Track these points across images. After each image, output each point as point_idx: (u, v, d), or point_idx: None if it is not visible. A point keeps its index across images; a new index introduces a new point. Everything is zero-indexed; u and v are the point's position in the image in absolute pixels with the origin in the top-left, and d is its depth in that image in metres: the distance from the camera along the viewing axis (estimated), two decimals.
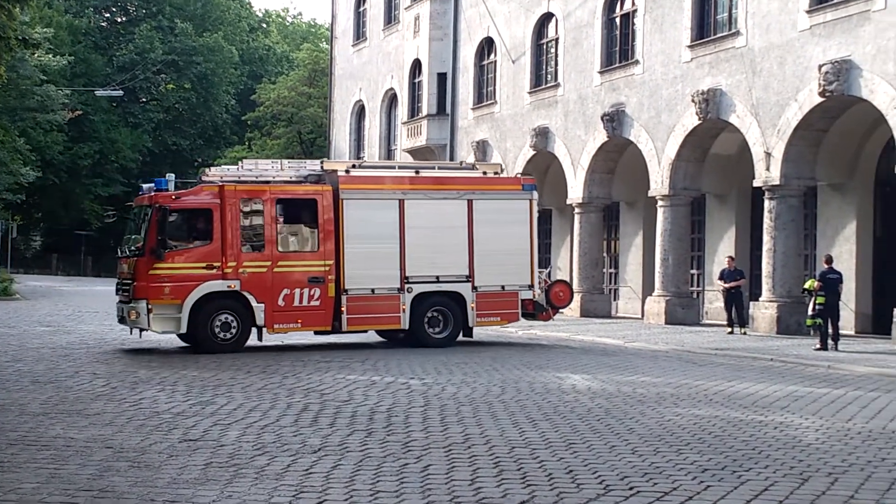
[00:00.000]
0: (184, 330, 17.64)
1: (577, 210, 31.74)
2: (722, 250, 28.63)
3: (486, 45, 37.67)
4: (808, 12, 23.65)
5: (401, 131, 43.49)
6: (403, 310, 19.01)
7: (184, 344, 19.04)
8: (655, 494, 7.25)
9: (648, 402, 11.95)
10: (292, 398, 11.68)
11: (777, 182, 24.40)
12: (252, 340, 18.47)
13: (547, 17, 34.02)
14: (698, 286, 30.11)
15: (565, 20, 32.73)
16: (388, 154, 46.99)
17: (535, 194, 20.76)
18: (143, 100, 68.19)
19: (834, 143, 24.75)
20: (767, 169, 24.59)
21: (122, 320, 18.44)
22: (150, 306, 17.32)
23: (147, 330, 17.83)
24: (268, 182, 18.65)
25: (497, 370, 15.11)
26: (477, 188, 19.91)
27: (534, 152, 33.92)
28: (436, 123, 40.14)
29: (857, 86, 22.30)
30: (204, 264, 17.68)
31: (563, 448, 8.93)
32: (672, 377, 14.80)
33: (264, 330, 18.23)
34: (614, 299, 32.94)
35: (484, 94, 37.93)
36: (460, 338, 19.93)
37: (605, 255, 33.51)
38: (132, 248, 18.08)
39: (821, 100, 23.15)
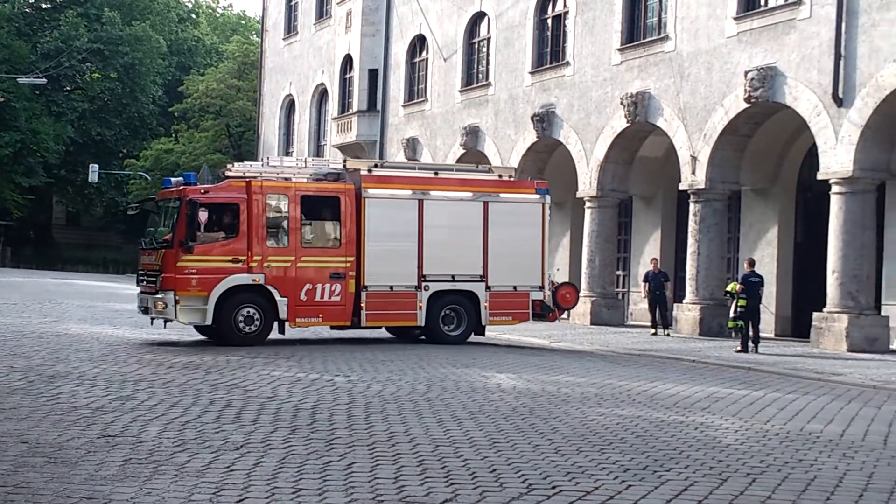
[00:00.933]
0: (209, 322, 17.93)
1: None
2: (647, 252, 28.95)
3: (418, 43, 37.66)
4: (735, 19, 24.02)
5: (331, 127, 43.28)
6: (420, 307, 19.45)
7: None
8: (578, 493, 7.28)
9: (572, 402, 12.02)
10: (215, 394, 11.53)
11: (702, 186, 24.76)
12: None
13: (479, 17, 34.12)
14: (624, 287, 30.43)
15: (497, 20, 32.85)
16: (318, 150, 46.74)
17: (548, 198, 21.07)
18: (68, 88, 66.82)
19: (758, 149, 25.19)
20: (693, 173, 24.93)
21: (145, 310, 18.70)
22: (177, 297, 17.67)
23: (172, 321, 18.15)
24: (289, 179, 19.05)
25: (423, 368, 15.09)
26: (492, 190, 20.30)
27: (464, 151, 34.00)
28: (366, 120, 40.03)
29: (781, 92, 22.71)
30: (230, 258, 18.07)
31: (488, 447, 8.94)
32: (596, 377, 14.92)
33: (286, 323, 18.66)
34: None
35: (415, 91, 37.91)
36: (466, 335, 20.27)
37: None
38: (160, 240, 18.31)
39: (746, 105, 23.54)
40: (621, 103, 26.97)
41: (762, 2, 23.85)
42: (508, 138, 32.04)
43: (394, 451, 8.56)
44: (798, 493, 7.56)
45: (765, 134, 24.92)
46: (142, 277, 18.93)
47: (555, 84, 30.08)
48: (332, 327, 19.80)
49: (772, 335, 24.86)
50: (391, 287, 19.30)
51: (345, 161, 20.37)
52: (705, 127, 24.66)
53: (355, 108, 40.43)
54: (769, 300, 24.51)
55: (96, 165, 60.58)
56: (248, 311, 18.08)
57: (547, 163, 31.52)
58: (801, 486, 7.80)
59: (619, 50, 27.59)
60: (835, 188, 21.63)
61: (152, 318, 18.79)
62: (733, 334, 21.76)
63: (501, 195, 20.31)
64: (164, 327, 19.42)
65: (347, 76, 41.72)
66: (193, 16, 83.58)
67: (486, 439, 9.30)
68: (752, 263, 21.54)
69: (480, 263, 19.96)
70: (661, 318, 24.96)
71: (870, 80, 20.82)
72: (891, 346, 21.71)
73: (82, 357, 15.13)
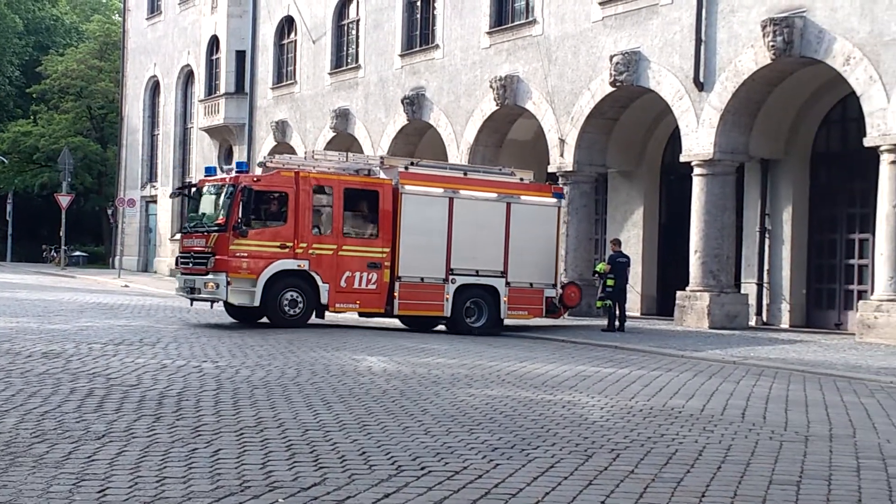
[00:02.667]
0: (257, 303, 18.97)
1: None
2: None
3: (287, 24, 37.22)
4: (600, 4, 24.41)
5: (198, 109, 42.47)
6: (447, 299, 20.39)
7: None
8: (446, 473, 7.31)
9: (442, 383, 12.07)
10: (76, 383, 11.18)
11: (570, 168, 25.13)
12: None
13: None
14: None
15: (366, 2, 32.70)
16: (184, 133, 45.83)
17: (563, 202, 22.27)
18: None
19: (624, 132, 25.70)
20: (561, 155, 25.29)
21: (190, 290, 19.53)
22: (228, 279, 18.68)
23: (219, 301, 19.29)
24: (328, 171, 20.13)
25: (293, 352, 14.95)
26: (514, 192, 21.32)
27: (334, 134, 33.81)
28: (234, 102, 39.41)
29: (645, 77, 23.19)
30: (278, 243, 19.10)
31: (357, 430, 8.90)
32: (466, 358, 15.02)
33: (326, 309, 19.77)
34: None
35: (284, 73, 37.48)
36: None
37: None
38: (211, 224, 19.09)
39: (612, 89, 23.98)
40: (491, 86, 27.16)
41: None
42: (379, 121, 31.95)
43: (262, 437, 8.44)
44: (660, 467, 7.75)
45: (630, 117, 25.44)
46: (186, 259, 19.76)
47: (425, 67, 30.10)
48: (360, 314, 20.72)
49: (638, 314, 25.45)
50: (422, 279, 20.28)
51: (382, 158, 21.45)
52: (573, 110, 25.03)
53: (223, 90, 39.75)
54: (635, 280, 25.09)
55: None
56: (293, 295, 19.14)
57: (417, 146, 31.57)
58: (662, 460, 7.99)
59: (487, 33, 27.76)
60: (696, 170, 22.22)
61: (193, 300, 19.82)
62: (602, 313, 22.18)
63: (522, 197, 21.29)
64: (211, 308, 20.49)
65: (214, 57, 40.97)
66: None
67: (355, 422, 9.26)
68: (618, 244, 21.97)
69: (502, 260, 20.93)
70: None
71: (729, 65, 21.43)
72: (750, 323, 22.47)
73: None
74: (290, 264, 19.08)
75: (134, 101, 49.63)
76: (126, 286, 36.99)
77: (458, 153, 28.53)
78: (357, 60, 33.30)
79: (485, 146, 28.36)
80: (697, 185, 22.22)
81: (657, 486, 7.17)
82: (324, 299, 19.41)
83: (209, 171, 21.25)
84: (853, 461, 8.23)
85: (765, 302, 23.41)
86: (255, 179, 19.05)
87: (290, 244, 19.08)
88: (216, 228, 18.86)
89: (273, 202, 19.25)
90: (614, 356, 16.41)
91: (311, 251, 19.24)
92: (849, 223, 22.71)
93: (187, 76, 45.14)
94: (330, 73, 34.47)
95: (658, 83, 22.95)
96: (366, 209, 20.13)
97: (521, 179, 21.86)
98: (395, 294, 19.94)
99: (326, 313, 19.97)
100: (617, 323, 20.97)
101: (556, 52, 25.60)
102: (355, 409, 10.02)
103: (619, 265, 21.21)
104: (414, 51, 30.73)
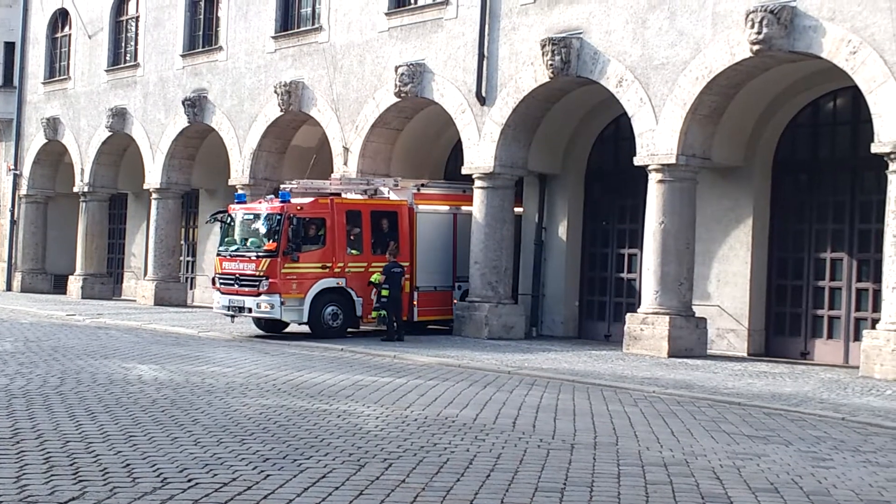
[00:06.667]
0: (306, 320, 20.75)
1: (154, 195, 30.88)
2: None
3: (61, 17, 35.67)
4: (386, 15, 24.54)
5: None
6: (455, 303, 22.83)
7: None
8: (214, 485, 7.12)
9: (217, 393, 11.80)
10: None
11: (353, 177, 25.08)
12: None
13: None
14: None
15: None
16: None
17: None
18: None
19: (408, 142, 25.88)
20: (345, 163, 25.24)
21: (238, 310, 20.78)
22: (282, 300, 20.32)
23: (271, 318, 20.77)
24: (351, 198, 22.14)
25: (58, 360, 14.28)
26: None
27: (110, 133, 32.62)
28: (1, 96, 37.41)
29: (429, 89, 23.46)
30: (320, 264, 20.93)
31: (122, 441, 8.56)
32: (243, 367, 14.75)
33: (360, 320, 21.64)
34: (191, 288, 32.40)
35: (57, 68, 35.87)
36: None
37: (182, 242, 32.88)
38: (259, 249, 20.71)
39: (397, 100, 24.12)
40: (275, 92, 26.83)
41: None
42: (158, 122, 31.04)
43: (18, 449, 8.01)
44: (431, 476, 7.80)
45: (415, 128, 25.61)
46: (229, 282, 21.01)
47: (207, 69, 29.46)
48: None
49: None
50: (435, 287, 22.81)
51: (395, 180, 23.03)
52: (357, 119, 25.04)
53: None
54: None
55: None
56: (333, 310, 21.05)
57: (199, 149, 30.85)
58: (434, 469, 8.05)
59: (273, 38, 27.43)
60: (477, 182, 22.62)
61: (233, 317, 21.35)
62: (378, 323, 22.22)
63: None
64: (262, 325, 21.52)
65: None
66: None
67: (121, 433, 8.91)
68: (394, 254, 22.06)
69: None
70: None
71: (510, 82, 21.94)
72: (525, 334, 23.03)
73: None
74: (331, 282, 21.01)
75: None
76: None
77: (240, 158, 28.04)
78: (136, 58, 32.21)
79: (268, 152, 27.98)
80: (478, 198, 22.62)
81: (427, 494, 7.21)
82: (358, 312, 21.38)
83: (239, 198, 22.77)
84: (615, 468, 8.54)
85: (540, 313, 24.07)
86: (298, 208, 20.71)
87: (330, 264, 20.96)
88: (266, 254, 20.39)
89: (314, 227, 20.99)
90: (393, 365, 16.48)
91: (346, 269, 21.17)
92: (619, 238, 23.64)
93: None
94: (107, 71, 33.22)
95: (442, 95, 23.26)
96: (388, 228, 22.03)
97: None
98: (415, 302, 22.22)
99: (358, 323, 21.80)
100: (396, 332, 21.05)
101: (342, 60, 25.55)
102: (121, 419, 9.65)
103: (394, 275, 21.32)
104: (196, 51, 30.00)
